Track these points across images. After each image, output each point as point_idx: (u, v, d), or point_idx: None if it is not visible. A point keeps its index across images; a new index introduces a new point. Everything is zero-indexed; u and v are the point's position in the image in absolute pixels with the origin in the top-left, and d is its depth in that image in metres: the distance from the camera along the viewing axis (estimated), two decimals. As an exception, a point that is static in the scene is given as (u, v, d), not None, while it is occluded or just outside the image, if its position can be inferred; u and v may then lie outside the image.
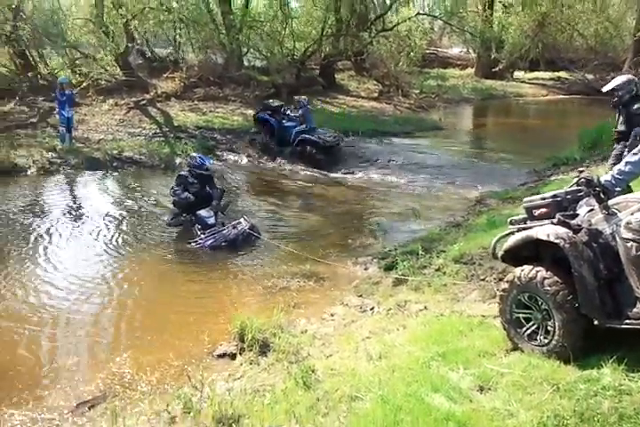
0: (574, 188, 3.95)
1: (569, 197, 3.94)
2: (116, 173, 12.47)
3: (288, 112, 14.02)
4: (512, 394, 3.40)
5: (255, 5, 23.39)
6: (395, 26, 23.09)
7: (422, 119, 19.26)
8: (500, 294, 4.06)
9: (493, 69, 30.23)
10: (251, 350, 5.01)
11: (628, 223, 3.35)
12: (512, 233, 4.10)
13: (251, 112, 17.67)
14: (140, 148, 13.65)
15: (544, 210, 3.90)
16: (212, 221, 8.10)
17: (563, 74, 30.16)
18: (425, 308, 5.52)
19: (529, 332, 3.88)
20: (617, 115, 7.07)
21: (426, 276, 6.30)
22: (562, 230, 3.61)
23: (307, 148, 13.17)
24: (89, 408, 4.41)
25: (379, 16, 23.99)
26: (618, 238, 3.43)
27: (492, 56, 30.42)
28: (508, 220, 4.30)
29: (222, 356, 5.17)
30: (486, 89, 26.96)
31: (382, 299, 6.04)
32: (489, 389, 3.56)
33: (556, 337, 3.68)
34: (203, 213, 8.17)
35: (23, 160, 12.26)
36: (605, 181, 3.55)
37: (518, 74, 30.90)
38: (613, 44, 31.94)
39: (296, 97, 16.12)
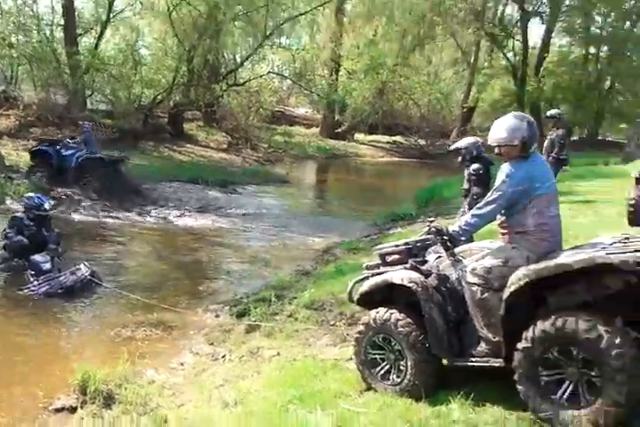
0: (424, 236, 4.27)
1: (419, 244, 4.22)
2: None
3: (68, 141, 13.89)
4: (368, 435, 3.47)
5: (104, 48, 22.84)
6: (246, 81, 23.83)
7: (270, 172, 19.76)
8: (355, 337, 4.17)
9: (337, 130, 32.17)
10: (93, 403, 4.61)
11: (473, 269, 3.67)
12: (367, 278, 4.28)
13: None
14: (-34, 187, 12.39)
15: (396, 256, 4.13)
16: (47, 266, 7.48)
17: (398, 138, 32.80)
18: (278, 353, 5.50)
19: (382, 372, 4.01)
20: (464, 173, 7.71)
21: (278, 322, 6.30)
22: (414, 275, 3.86)
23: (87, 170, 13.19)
24: None
25: (231, 71, 24.66)
26: (464, 283, 3.73)
27: (336, 118, 32.40)
28: (364, 265, 4.49)
29: (60, 410, 4.67)
30: (330, 148, 28.48)
31: (234, 346, 5.92)
32: (346, 430, 3.60)
33: (408, 376, 3.84)
34: (37, 257, 7.53)
35: None
36: (453, 230, 3.83)
37: (359, 136, 33.08)
38: (443, 115, 35.50)
39: (80, 122, 16.08)
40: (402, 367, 3.90)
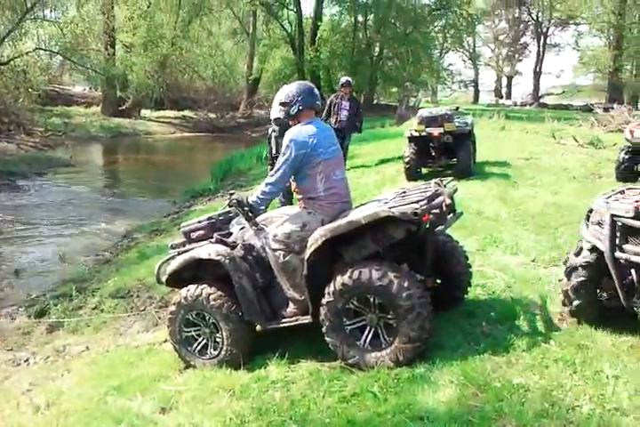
0: (226, 210, 4.34)
1: (222, 218, 4.31)
2: None
3: None
4: (193, 408, 3.52)
5: None
6: (10, 60, 21.46)
7: (51, 158, 18.28)
8: (168, 317, 4.15)
9: (120, 108, 30.55)
10: None
11: (274, 236, 3.85)
12: (173, 257, 4.25)
13: None
14: None
15: (201, 232, 4.17)
16: None
17: (187, 113, 32.14)
18: (87, 348, 5.30)
19: (199, 348, 4.08)
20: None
21: (83, 316, 6.02)
22: (220, 248, 3.94)
23: None
24: None
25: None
26: (268, 249, 3.89)
27: (118, 94, 30.72)
28: (169, 244, 4.44)
29: None
30: (115, 127, 27.02)
31: (37, 348, 5.55)
32: (170, 409, 3.61)
33: (225, 347, 3.95)
34: None
35: None
36: (252, 200, 3.93)
37: (145, 112, 31.76)
38: (230, 87, 35.46)
39: None
40: (218, 340, 4.00)
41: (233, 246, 3.98)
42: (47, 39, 26.35)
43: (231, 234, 4.16)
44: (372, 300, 3.52)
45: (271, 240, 3.86)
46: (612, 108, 20.39)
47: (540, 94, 45.35)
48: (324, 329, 3.63)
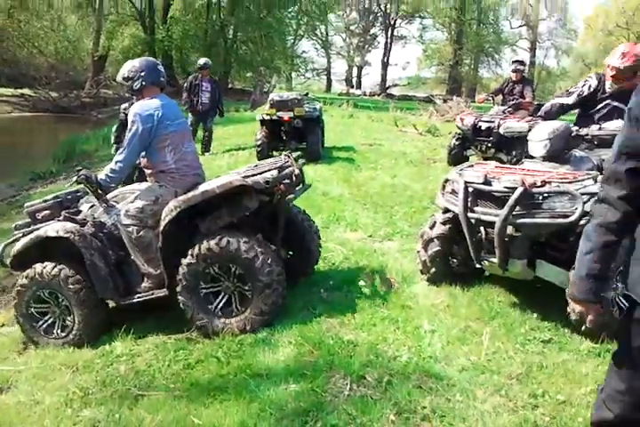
0: (74, 188, 4.24)
1: (69, 197, 4.22)
2: None
3: None
4: (34, 385, 3.47)
5: None
6: None
7: None
8: (17, 290, 4.00)
9: (-54, 82, 27.57)
10: None
11: (126, 211, 3.85)
12: (17, 239, 4.09)
13: None
14: None
15: (47, 212, 4.06)
16: None
17: (27, 91, 29.70)
18: None
19: (45, 326, 4.01)
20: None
21: None
22: (69, 225, 3.86)
23: None
24: None
25: None
26: (120, 226, 3.88)
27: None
28: (13, 225, 4.26)
29: None
30: (-59, 103, 24.35)
31: None
32: (9, 388, 3.53)
33: (74, 331, 3.92)
34: None
35: None
36: (101, 179, 3.88)
37: (-25, 88, 28.92)
38: (74, 64, 33.29)
39: None
40: (68, 322, 3.95)
41: (83, 224, 3.92)
42: None
43: (80, 212, 4.08)
44: (233, 269, 3.66)
45: (123, 216, 3.87)
46: (451, 99, 22.09)
47: (387, 85, 47.59)
48: (178, 288, 3.71)
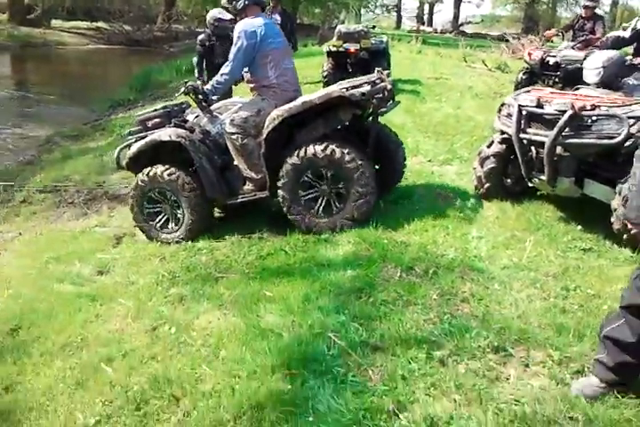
0: (180, 100, 4.64)
1: (176, 108, 4.60)
2: None
3: None
4: (128, 270, 4.05)
5: None
6: None
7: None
8: (132, 193, 4.45)
9: (29, 16, 28.54)
10: None
11: (232, 121, 4.19)
12: (130, 144, 4.50)
13: None
14: None
15: (157, 120, 4.45)
16: None
17: (102, 24, 30.41)
18: (20, 234, 5.59)
19: (160, 223, 4.46)
20: None
21: (12, 208, 6.28)
22: (180, 131, 4.28)
23: None
24: None
25: None
26: (225, 134, 4.23)
27: (26, 2, 28.62)
28: (126, 132, 4.70)
29: None
30: (24, 36, 25.41)
31: (-34, 236, 5.81)
32: (107, 271, 4.14)
33: (185, 222, 4.34)
34: None
35: None
36: (207, 89, 4.24)
37: (56, 22, 29.83)
38: (145, -1, 33.64)
39: None
40: (179, 216, 4.38)
41: (191, 130, 4.29)
42: None
43: (187, 122, 4.43)
44: (328, 174, 3.96)
45: (229, 125, 4.19)
46: (525, 36, 21.27)
47: (459, 22, 45.79)
48: (280, 185, 4.04)
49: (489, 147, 4.44)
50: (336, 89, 3.96)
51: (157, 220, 4.47)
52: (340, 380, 2.36)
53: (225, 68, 4.23)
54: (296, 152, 3.98)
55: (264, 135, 4.04)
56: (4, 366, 3.00)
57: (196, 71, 7.24)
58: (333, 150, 3.91)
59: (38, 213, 6.10)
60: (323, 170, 3.99)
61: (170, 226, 4.45)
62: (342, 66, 9.81)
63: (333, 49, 9.64)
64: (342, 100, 3.92)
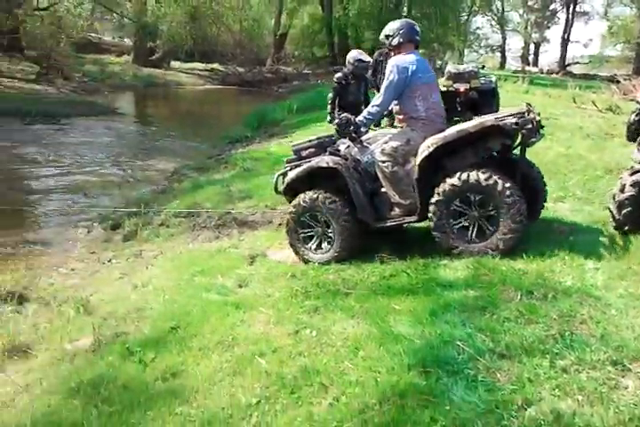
0: (329, 133, 5.12)
1: (327, 139, 5.03)
2: None
3: None
4: (264, 285, 4.54)
5: None
6: (51, 5, 22.14)
7: (93, 102, 19.17)
8: (288, 217, 4.89)
9: (150, 58, 31.18)
10: (6, 303, 5.12)
11: (382, 150, 4.58)
12: (285, 173, 5.00)
13: None
14: None
15: (312, 150, 4.92)
16: None
17: (216, 66, 32.71)
18: (161, 253, 6.31)
19: (314, 246, 4.82)
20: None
21: (153, 230, 7.04)
22: (336, 159, 4.69)
23: None
24: None
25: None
26: (376, 162, 4.60)
27: (149, 45, 31.31)
28: (284, 160, 5.23)
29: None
30: (147, 77, 27.75)
31: (117, 252, 6.58)
32: (246, 285, 4.64)
33: (336, 247, 4.68)
34: None
35: None
36: (359, 120, 4.67)
37: (175, 64, 32.39)
38: (257, 41, 35.80)
39: None
40: (330, 238, 4.72)
41: (345, 158, 4.70)
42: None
43: (339, 151, 4.80)
44: (474, 199, 4.17)
45: (379, 154, 4.54)
46: (636, 78, 20.81)
47: (566, 63, 45.14)
48: (432, 225, 4.33)
49: (632, 175, 4.53)
50: (490, 118, 4.23)
51: (311, 242, 4.81)
52: (470, 379, 2.67)
53: (376, 101, 4.62)
54: (451, 178, 4.18)
55: (418, 161, 4.30)
56: (170, 357, 3.52)
57: (328, 107, 7.71)
58: (495, 181, 4.10)
59: (175, 235, 6.82)
60: (473, 197, 4.18)
61: (323, 246, 4.79)
62: (452, 105, 10.14)
63: (443, 89, 10.01)
64: (494, 130, 4.15)
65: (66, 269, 6.19)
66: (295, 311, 3.89)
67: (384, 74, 10.38)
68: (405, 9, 36.03)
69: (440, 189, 4.26)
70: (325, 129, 11.73)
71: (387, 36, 4.72)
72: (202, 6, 31.52)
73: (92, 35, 35.24)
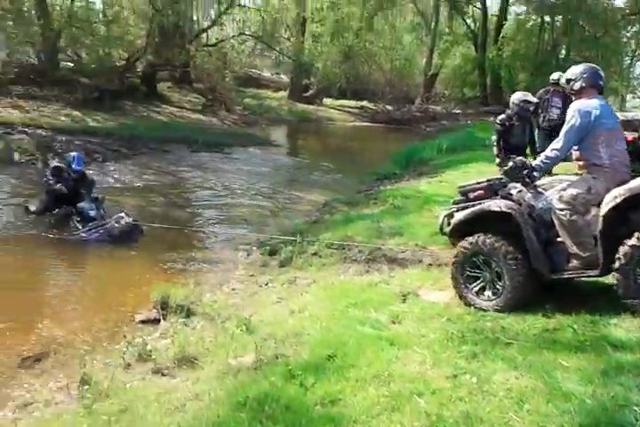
0: (499, 176, 4.98)
1: (497, 182, 4.87)
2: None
3: None
4: (418, 324, 4.58)
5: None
6: (219, 42, 24.20)
7: (252, 134, 20.50)
8: (457, 253, 4.75)
9: (305, 94, 32.77)
10: (174, 315, 5.60)
11: (560, 197, 4.41)
12: (452, 214, 4.95)
13: (76, 114, 17.53)
14: (-31, 141, 12.90)
15: (480, 192, 4.82)
16: (93, 213, 8.23)
17: (366, 103, 33.63)
18: (314, 281, 6.54)
19: (477, 288, 4.70)
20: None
21: (306, 259, 7.35)
22: (509, 203, 4.52)
23: None
24: (35, 361, 4.73)
25: (203, 30, 24.91)
26: (554, 209, 4.37)
27: (304, 82, 32.99)
28: (452, 200, 5.23)
29: (145, 322, 5.69)
30: (302, 112, 29.18)
31: (272, 277, 6.94)
32: (399, 322, 4.70)
33: (505, 294, 4.50)
34: (84, 205, 8.27)
35: None
36: (536, 164, 4.59)
37: (327, 100, 33.75)
38: (407, 81, 36.41)
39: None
40: (498, 287, 4.54)
41: (519, 203, 4.50)
42: (248, 25, 28.92)
43: (511, 195, 4.63)
44: None
45: (556, 201, 4.34)
46: None
47: None
48: (616, 268, 4.07)
49: None
50: None
51: (474, 285, 4.69)
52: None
53: (556, 144, 4.47)
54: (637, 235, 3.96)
55: (603, 212, 4.10)
56: (328, 384, 3.66)
57: (494, 149, 7.66)
58: None
59: (327, 265, 7.07)
60: None
61: (486, 294, 4.65)
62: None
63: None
64: None
65: (227, 289, 6.64)
66: (452, 355, 3.89)
67: (547, 112, 10.27)
68: (563, 52, 34.97)
69: (623, 249, 4.03)
70: (477, 171, 11.71)
71: (568, 80, 4.62)
72: (356, 46, 32.85)
73: (253, 70, 37.80)
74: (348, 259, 7.16)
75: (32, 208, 8.76)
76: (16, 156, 12.73)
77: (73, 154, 8.93)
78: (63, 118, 17.15)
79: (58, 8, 21.41)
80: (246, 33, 27.96)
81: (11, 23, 18.78)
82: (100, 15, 21.30)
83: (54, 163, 8.81)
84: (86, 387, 4.10)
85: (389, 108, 31.21)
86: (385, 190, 11.31)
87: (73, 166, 8.60)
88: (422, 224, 7.93)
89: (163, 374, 4.41)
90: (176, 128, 18.40)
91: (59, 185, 8.37)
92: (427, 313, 4.79)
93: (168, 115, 21.74)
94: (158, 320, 5.68)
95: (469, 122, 26.58)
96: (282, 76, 39.89)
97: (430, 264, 6.54)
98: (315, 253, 7.46)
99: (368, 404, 3.38)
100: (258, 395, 3.51)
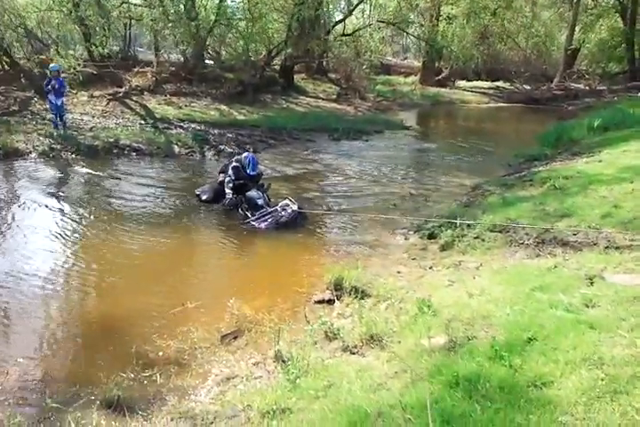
0: None
1: None
2: (120, 160, 12.77)
3: None
4: (615, 308, 4.33)
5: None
6: (355, 31, 24.29)
7: (388, 120, 20.47)
8: None
9: (437, 78, 32.14)
10: (348, 296, 5.74)
11: None
12: None
13: (224, 108, 18.41)
14: (135, 136, 13.98)
15: None
16: (261, 202, 8.61)
17: (500, 83, 32.37)
18: (481, 265, 6.42)
19: None
20: None
21: (468, 242, 7.23)
22: None
23: None
24: (233, 338, 5.06)
25: (340, 20, 25.11)
26: None
27: (436, 65, 32.34)
28: None
29: (320, 302, 5.90)
30: (434, 95, 28.69)
31: (435, 261, 6.90)
32: (593, 306, 4.48)
33: None
34: (253, 194, 8.68)
35: (23, 145, 12.36)
36: None
37: (460, 82, 32.89)
38: (545, 58, 34.56)
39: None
40: None
41: None
42: (384, 12, 28.75)
43: None
44: None
45: None
46: None
47: None
48: None
49: None
50: None
51: None
52: None
53: None
54: None
55: None
56: (536, 366, 3.58)
57: None
58: None
59: (492, 248, 6.91)
60: None
61: None
62: None
63: None
64: None
65: (393, 272, 6.68)
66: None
67: None
68: None
69: None
70: (638, 148, 10.88)
71: None
72: (492, 25, 31.61)
73: (384, 57, 37.67)
74: (515, 242, 6.95)
75: (203, 197, 9.31)
76: (176, 149, 13.59)
77: (248, 157, 9.14)
78: (212, 113, 18.11)
79: (203, 9, 22.47)
80: (381, 20, 27.79)
81: (170, 25, 19.83)
82: (244, 13, 21.97)
83: (233, 163, 9.11)
84: (289, 363, 4.31)
85: (527, 87, 29.81)
86: (539, 171, 10.81)
87: (248, 171, 8.95)
88: (591, 205, 7.51)
89: (352, 353, 4.56)
90: (315, 118, 18.78)
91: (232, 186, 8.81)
92: (622, 296, 4.53)
93: (305, 105, 22.24)
94: (333, 301, 5.86)
95: (615, 98, 24.69)
96: (411, 60, 39.43)
97: (607, 247, 6.19)
98: (477, 237, 7.33)
99: (585, 387, 3.27)
100: (467, 375, 3.51)
